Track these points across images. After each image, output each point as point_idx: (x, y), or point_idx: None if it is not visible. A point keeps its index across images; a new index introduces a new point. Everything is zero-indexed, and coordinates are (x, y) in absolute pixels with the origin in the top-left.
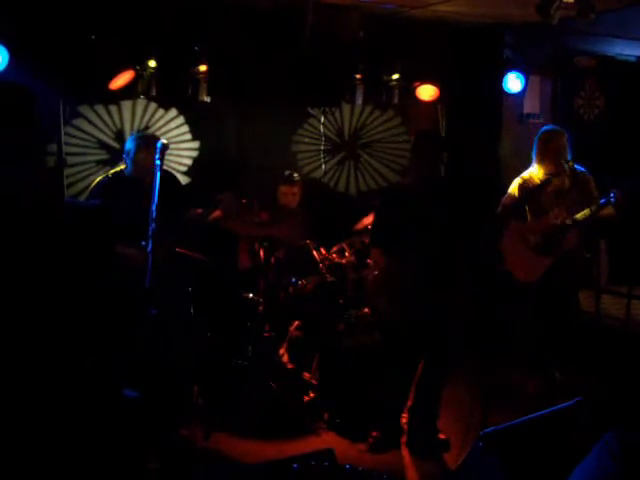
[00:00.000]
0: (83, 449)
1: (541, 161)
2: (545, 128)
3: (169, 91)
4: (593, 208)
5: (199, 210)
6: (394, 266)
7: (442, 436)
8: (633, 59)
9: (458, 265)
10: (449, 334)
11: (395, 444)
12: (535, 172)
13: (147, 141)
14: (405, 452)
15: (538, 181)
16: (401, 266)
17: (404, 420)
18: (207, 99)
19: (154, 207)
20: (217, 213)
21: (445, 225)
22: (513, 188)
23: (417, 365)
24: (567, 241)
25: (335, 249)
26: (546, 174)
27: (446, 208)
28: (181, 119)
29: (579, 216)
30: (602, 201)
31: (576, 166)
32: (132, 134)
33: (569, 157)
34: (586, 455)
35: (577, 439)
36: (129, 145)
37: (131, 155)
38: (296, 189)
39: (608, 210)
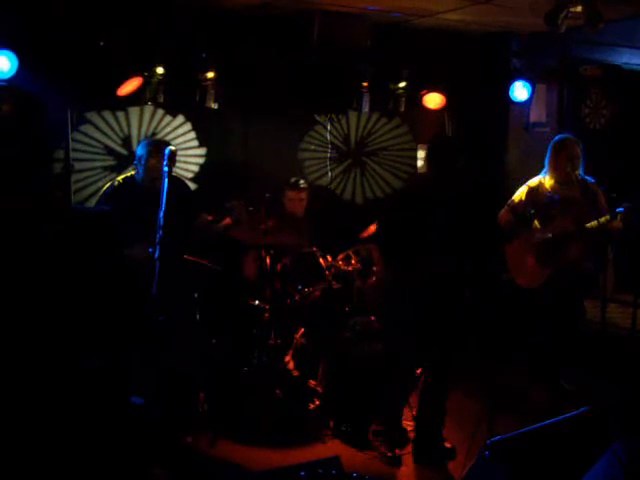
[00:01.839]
0: (89, 455)
1: (553, 169)
2: (560, 136)
3: (176, 98)
4: (602, 220)
5: (209, 217)
6: (394, 271)
7: (448, 445)
8: (639, 68)
9: (460, 273)
10: (450, 340)
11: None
12: (545, 179)
13: (158, 147)
14: (410, 461)
15: (548, 188)
16: (403, 271)
17: (409, 428)
18: (214, 106)
19: (162, 214)
20: (227, 221)
21: (450, 230)
22: (520, 194)
23: (418, 371)
24: (570, 251)
25: (341, 257)
26: (557, 182)
27: (452, 213)
28: (188, 126)
29: (589, 226)
30: (613, 214)
31: (586, 177)
32: (143, 140)
33: (582, 167)
34: (593, 464)
35: (584, 448)
36: (140, 151)
37: (142, 161)
38: (303, 195)
39: (616, 222)
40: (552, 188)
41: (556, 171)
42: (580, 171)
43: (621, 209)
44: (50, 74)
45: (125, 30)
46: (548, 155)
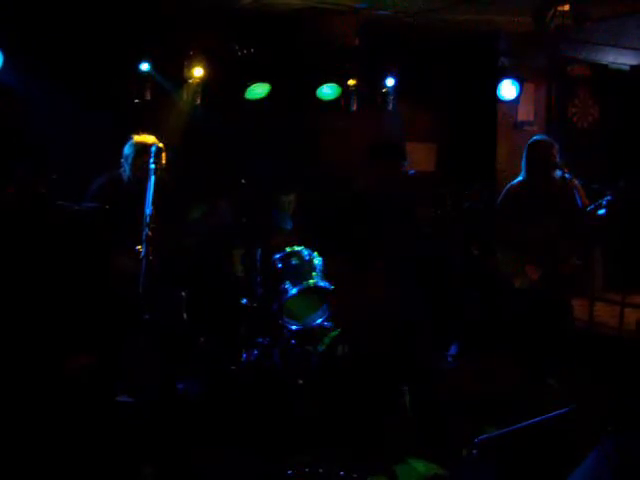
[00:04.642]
0: (77, 454)
1: (530, 170)
2: (534, 138)
3: (163, 95)
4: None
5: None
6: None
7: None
8: (626, 68)
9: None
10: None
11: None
12: (525, 181)
13: (145, 146)
14: (404, 456)
15: (528, 189)
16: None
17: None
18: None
19: (148, 212)
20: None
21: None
22: (504, 196)
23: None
24: (556, 249)
25: None
26: (536, 182)
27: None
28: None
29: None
30: (592, 206)
31: (566, 174)
32: (130, 138)
33: (559, 165)
34: (580, 462)
35: (571, 446)
36: (127, 150)
37: (129, 160)
38: (292, 197)
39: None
40: (532, 188)
41: (534, 172)
42: (558, 170)
43: (605, 200)
44: (37, 71)
45: (112, 27)
46: (524, 157)
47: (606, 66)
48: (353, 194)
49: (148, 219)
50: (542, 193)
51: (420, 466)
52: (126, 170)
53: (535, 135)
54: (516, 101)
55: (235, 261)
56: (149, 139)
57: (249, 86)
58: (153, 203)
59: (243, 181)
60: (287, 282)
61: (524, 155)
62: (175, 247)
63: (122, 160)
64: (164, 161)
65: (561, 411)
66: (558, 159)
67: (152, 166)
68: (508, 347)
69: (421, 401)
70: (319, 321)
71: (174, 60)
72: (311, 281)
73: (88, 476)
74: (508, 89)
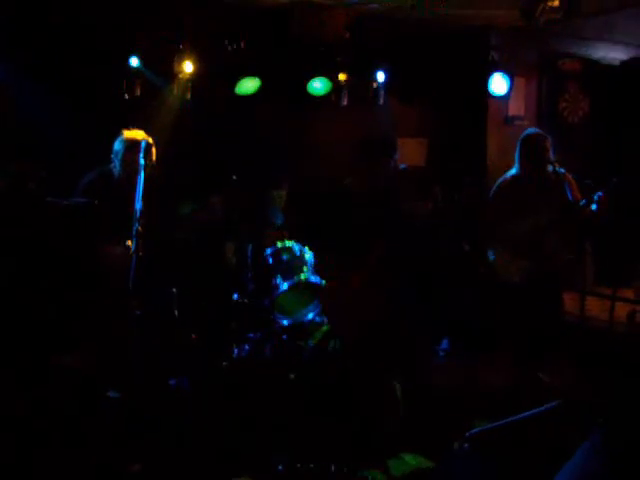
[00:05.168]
0: (65, 450)
1: (523, 164)
2: (528, 131)
3: (153, 90)
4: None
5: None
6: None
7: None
8: (616, 63)
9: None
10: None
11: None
12: (518, 174)
13: (135, 142)
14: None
15: (521, 182)
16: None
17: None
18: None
19: (138, 207)
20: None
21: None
22: (496, 190)
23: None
24: (548, 243)
25: None
26: (528, 176)
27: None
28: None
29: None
30: (584, 201)
31: (558, 168)
32: (121, 134)
33: (552, 159)
34: (571, 455)
35: (562, 439)
36: (117, 145)
37: (119, 156)
38: (283, 192)
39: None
40: (525, 182)
41: (527, 166)
42: (549, 164)
43: (596, 196)
44: (25, 67)
45: (101, 22)
46: (518, 151)
47: (596, 61)
48: (344, 189)
49: (138, 214)
50: (535, 187)
51: (412, 460)
52: (116, 166)
53: (528, 129)
54: (507, 96)
55: (227, 256)
56: (139, 134)
57: (239, 81)
58: (143, 198)
59: (234, 176)
60: (278, 277)
61: (517, 148)
62: (166, 243)
63: (112, 156)
64: (154, 157)
65: (551, 405)
66: (551, 153)
67: (142, 162)
68: (499, 342)
69: (413, 395)
70: (310, 316)
71: (164, 55)
72: (302, 276)
73: (78, 473)
74: (499, 84)
